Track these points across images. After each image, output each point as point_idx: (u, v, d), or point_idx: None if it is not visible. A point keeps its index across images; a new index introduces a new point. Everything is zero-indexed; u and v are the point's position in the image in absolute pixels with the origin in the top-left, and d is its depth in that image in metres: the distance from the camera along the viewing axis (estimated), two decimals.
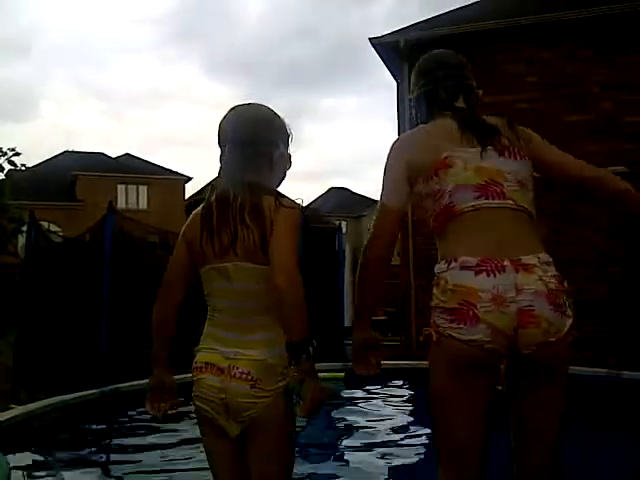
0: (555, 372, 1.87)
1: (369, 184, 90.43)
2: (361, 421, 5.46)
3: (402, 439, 5.00)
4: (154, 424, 5.25)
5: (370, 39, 11.15)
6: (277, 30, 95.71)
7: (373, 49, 11.33)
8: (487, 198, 1.90)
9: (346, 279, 11.68)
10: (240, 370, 1.86)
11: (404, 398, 6.74)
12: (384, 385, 6.93)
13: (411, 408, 6.29)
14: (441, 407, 1.89)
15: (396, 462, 4.30)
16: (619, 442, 4.41)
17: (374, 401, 6.36)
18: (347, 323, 11.26)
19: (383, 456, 4.40)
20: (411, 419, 5.84)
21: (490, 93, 10.56)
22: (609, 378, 6.33)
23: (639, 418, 4.94)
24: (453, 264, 1.83)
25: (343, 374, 7.15)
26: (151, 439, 4.80)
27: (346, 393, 6.81)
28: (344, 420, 5.57)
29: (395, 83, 12.08)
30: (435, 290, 1.87)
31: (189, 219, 2.03)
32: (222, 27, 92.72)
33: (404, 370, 6.96)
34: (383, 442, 4.82)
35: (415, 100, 2.21)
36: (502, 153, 1.96)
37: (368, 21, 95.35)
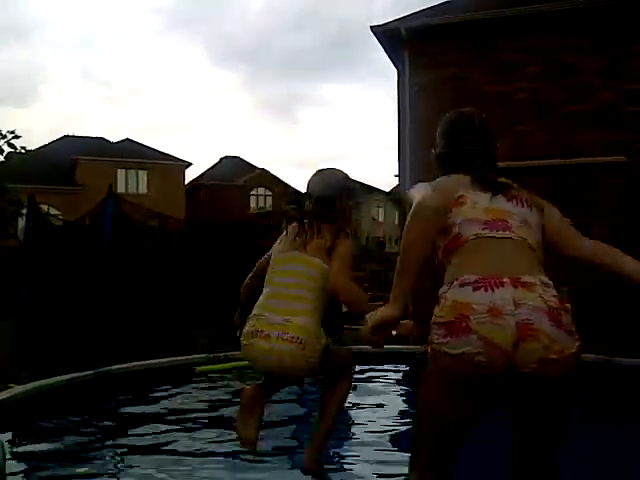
0: (557, 394, 1.85)
1: (367, 171, 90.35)
2: (356, 402, 5.52)
3: (397, 419, 5.08)
4: (148, 406, 5.34)
5: (371, 27, 11.12)
6: (278, 16, 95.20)
7: (374, 37, 11.30)
8: (492, 230, 1.97)
9: None
10: (289, 334, 2.40)
11: (400, 380, 6.83)
12: (380, 367, 6.98)
13: (406, 390, 6.38)
14: (428, 419, 1.96)
15: (391, 445, 4.34)
16: (610, 428, 4.48)
17: (370, 383, 6.42)
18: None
19: (379, 437, 4.44)
20: (406, 399, 5.94)
21: (490, 82, 10.54)
22: (601, 364, 6.40)
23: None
24: (455, 283, 1.88)
25: None
26: (146, 420, 4.86)
27: None
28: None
29: (396, 70, 12.06)
30: (435, 309, 1.90)
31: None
32: (223, 12, 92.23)
33: (402, 354, 7.03)
34: (378, 420, 4.91)
35: (437, 156, 2.34)
36: (510, 200, 2.07)
37: (369, 8, 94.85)
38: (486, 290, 1.78)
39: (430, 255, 2.06)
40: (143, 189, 36.48)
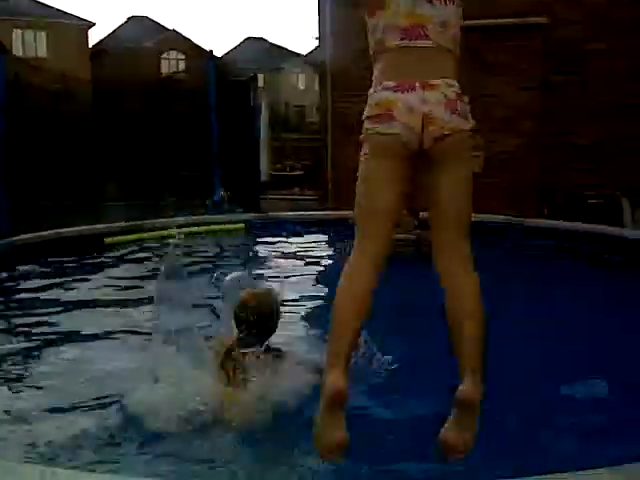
0: (456, 158, 2.36)
1: (287, 35, 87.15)
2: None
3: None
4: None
5: None
6: None
7: None
8: (410, 39, 2.35)
9: (262, 133, 11.43)
10: None
11: (323, 246, 6.86)
12: (292, 235, 6.96)
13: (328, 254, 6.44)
14: (364, 180, 2.41)
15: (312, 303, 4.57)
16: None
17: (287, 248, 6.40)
18: (264, 178, 11.18)
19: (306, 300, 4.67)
20: (328, 262, 5.99)
21: None
22: (511, 225, 6.68)
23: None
24: (378, 87, 2.39)
25: (243, 225, 7.07)
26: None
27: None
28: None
29: None
30: (366, 106, 2.41)
31: None
32: None
33: (321, 221, 7.02)
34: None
35: None
36: (431, 1, 2.36)
37: None
38: (402, 92, 2.32)
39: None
40: (42, 52, 34.08)
